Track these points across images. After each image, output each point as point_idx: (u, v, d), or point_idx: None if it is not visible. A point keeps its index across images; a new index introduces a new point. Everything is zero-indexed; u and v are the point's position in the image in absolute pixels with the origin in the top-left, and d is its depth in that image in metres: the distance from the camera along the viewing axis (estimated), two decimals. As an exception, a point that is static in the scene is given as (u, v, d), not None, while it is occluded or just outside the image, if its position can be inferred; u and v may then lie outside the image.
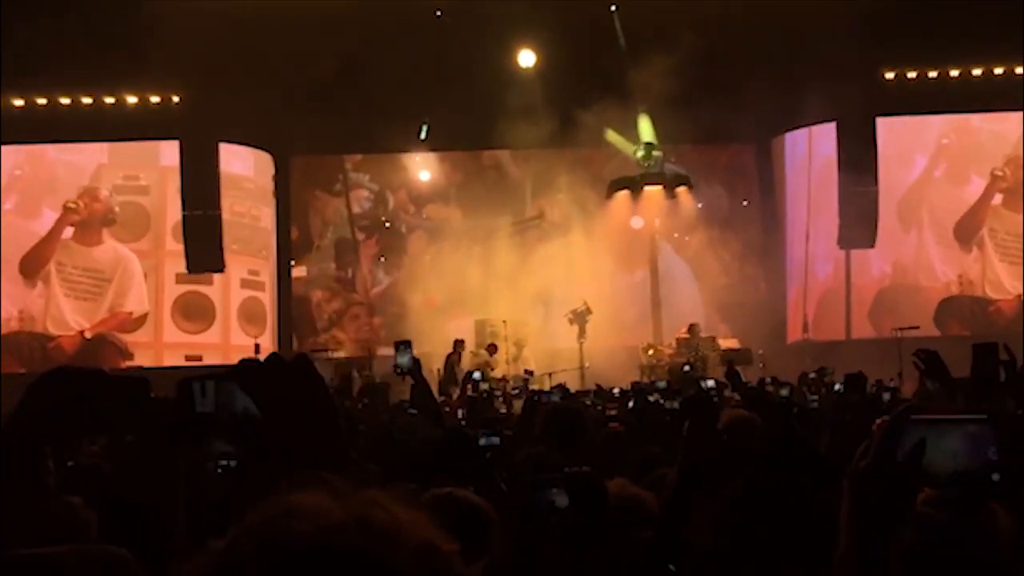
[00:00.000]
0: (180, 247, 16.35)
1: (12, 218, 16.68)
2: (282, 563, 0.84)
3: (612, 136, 16.34)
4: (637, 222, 17.00)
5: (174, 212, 16.45)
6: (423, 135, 16.94)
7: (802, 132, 17.68)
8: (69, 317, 16.69)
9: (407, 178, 18.18)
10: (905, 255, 17.65)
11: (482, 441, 4.44)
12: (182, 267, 16.54)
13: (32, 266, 16.68)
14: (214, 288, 17.03)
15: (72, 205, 16.81)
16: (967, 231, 17.57)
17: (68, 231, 16.88)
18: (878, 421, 1.36)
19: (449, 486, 2.90)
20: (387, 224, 18.18)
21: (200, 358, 16.47)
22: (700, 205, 17.19)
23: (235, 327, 17.10)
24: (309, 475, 0.91)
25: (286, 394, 1.32)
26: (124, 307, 16.87)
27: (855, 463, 1.40)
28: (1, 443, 1.36)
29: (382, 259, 18.09)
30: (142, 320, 16.90)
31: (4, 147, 16.22)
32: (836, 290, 17.77)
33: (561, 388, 9.69)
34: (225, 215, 16.52)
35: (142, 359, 16.61)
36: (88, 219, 16.88)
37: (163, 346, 16.79)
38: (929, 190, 17.70)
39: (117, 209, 16.94)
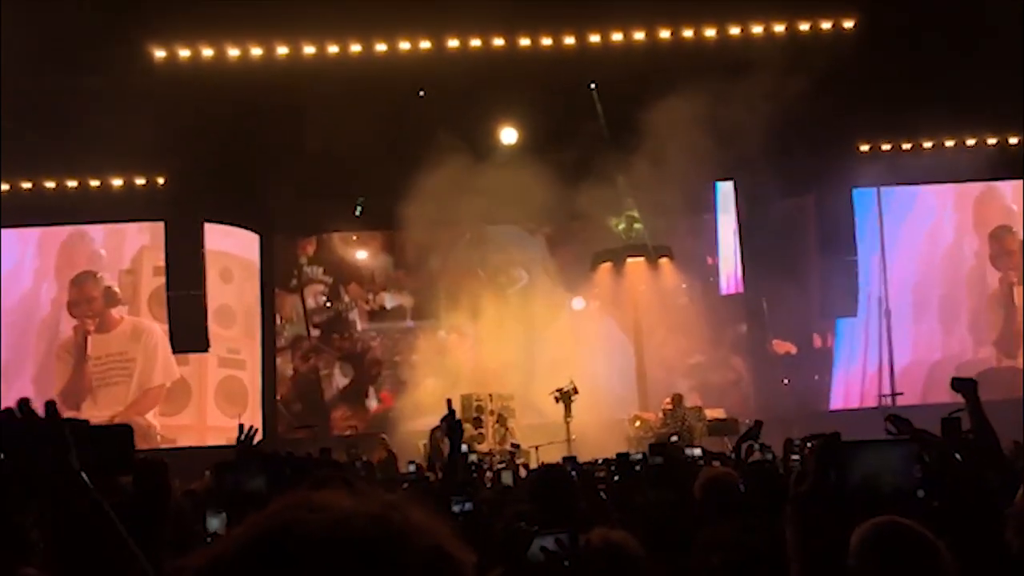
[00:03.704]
0: (221, 331, 16.48)
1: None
2: (291, 548, 0.87)
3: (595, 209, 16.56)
4: (578, 303, 17.28)
5: (216, 296, 16.55)
6: (358, 212, 17.10)
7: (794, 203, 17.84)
8: (105, 407, 16.35)
9: (364, 261, 18.25)
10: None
11: (455, 508, 4.38)
12: (224, 351, 16.76)
13: (73, 398, 16.32)
14: (247, 373, 17.13)
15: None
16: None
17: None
18: (810, 445, 1.41)
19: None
20: (343, 316, 18.08)
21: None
22: (685, 273, 17.35)
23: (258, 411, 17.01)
24: (334, 476, 0.94)
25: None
26: (153, 382, 16.78)
27: (793, 489, 1.44)
28: None
29: (339, 359, 17.96)
30: (181, 393, 16.82)
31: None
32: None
33: (571, 461, 9.59)
34: (251, 300, 17.04)
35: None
36: (96, 312, 16.98)
37: (207, 428, 16.50)
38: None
39: (117, 289, 17.01)
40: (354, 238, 18.32)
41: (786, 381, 16.89)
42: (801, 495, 1.48)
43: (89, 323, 16.97)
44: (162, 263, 16.41)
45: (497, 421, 15.41)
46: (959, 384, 4.48)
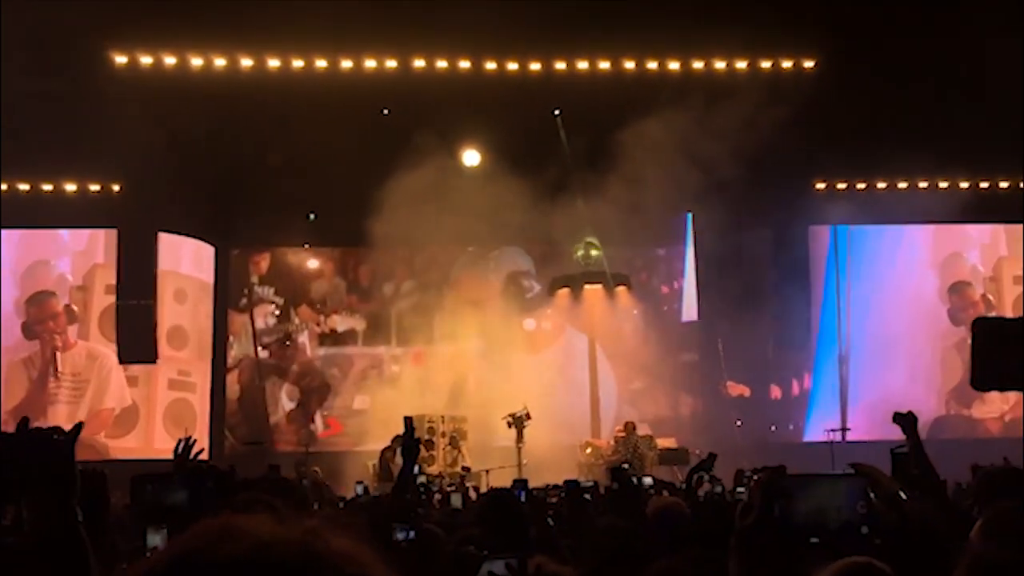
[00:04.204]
0: (173, 353, 16.21)
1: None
2: (209, 573, 0.84)
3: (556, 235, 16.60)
4: (530, 324, 17.23)
5: (171, 316, 16.31)
6: (311, 217, 17.03)
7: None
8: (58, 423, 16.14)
9: (317, 283, 18.04)
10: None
11: (399, 535, 4.30)
12: (175, 373, 16.46)
13: (29, 414, 16.00)
14: (196, 396, 16.85)
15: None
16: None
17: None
18: (755, 478, 1.40)
19: None
20: (290, 341, 17.81)
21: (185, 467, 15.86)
22: (640, 304, 17.44)
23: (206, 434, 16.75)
24: (260, 500, 0.91)
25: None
26: (104, 404, 16.52)
27: (738, 522, 1.43)
28: None
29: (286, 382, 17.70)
30: (129, 416, 16.54)
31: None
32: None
33: (521, 484, 9.52)
34: (207, 323, 17.00)
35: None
36: (62, 329, 16.81)
37: (154, 452, 16.11)
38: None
39: (74, 307, 16.79)
40: (310, 261, 18.08)
41: (739, 423, 17.07)
42: (746, 528, 1.47)
43: (57, 339, 16.74)
44: (115, 282, 16.23)
45: (449, 443, 15.29)
46: (900, 418, 4.56)
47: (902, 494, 1.37)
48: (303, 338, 17.88)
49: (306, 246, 17.96)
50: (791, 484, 1.46)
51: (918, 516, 1.84)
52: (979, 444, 14.12)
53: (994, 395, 17.41)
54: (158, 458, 14.94)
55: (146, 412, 16.65)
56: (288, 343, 17.78)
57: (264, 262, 18.01)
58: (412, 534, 4.22)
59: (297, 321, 17.87)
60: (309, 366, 17.80)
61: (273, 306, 17.87)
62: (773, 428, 17.38)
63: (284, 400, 17.62)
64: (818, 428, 17.07)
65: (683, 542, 4.05)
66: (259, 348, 17.70)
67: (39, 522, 1.65)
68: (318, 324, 17.90)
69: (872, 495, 1.42)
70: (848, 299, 17.75)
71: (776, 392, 17.89)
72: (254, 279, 17.91)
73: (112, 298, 16.44)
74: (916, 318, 17.96)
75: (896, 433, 3.81)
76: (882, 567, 1.92)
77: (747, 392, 17.62)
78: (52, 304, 16.85)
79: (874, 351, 17.55)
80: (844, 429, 14.34)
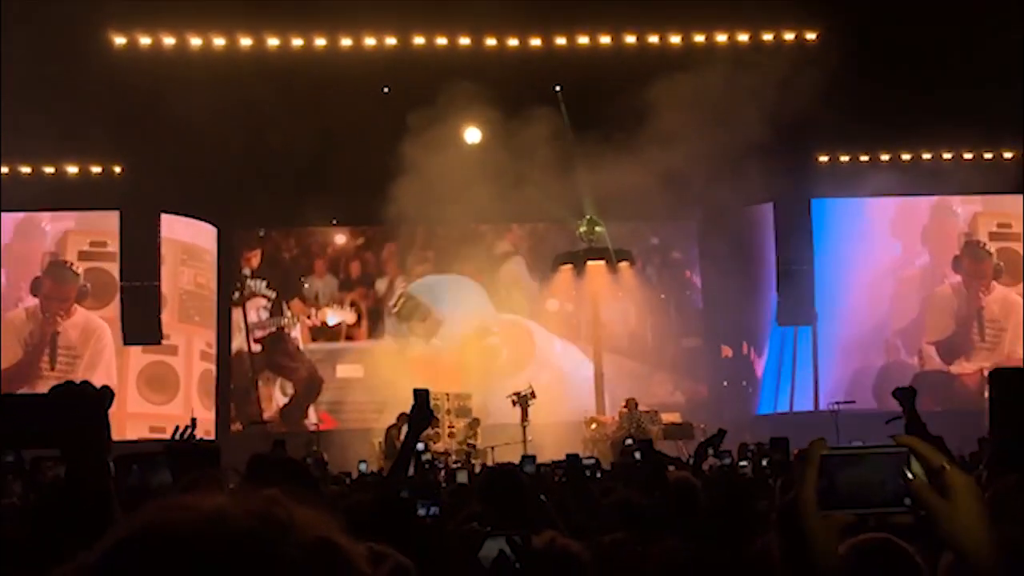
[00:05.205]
0: None
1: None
2: (157, 550, 0.81)
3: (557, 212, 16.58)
4: (553, 304, 17.27)
5: None
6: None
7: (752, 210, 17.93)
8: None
9: (308, 277, 17.89)
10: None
11: (421, 511, 4.32)
12: None
13: (15, 382, 15.93)
14: (179, 359, 16.78)
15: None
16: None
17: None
18: (795, 452, 1.40)
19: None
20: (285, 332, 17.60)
21: (164, 430, 15.87)
22: (642, 280, 17.45)
23: (195, 399, 16.73)
24: (207, 476, 0.89)
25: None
26: (93, 380, 16.45)
27: (780, 497, 1.42)
28: None
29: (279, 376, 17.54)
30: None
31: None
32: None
33: (529, 460, 9.55)
34: (189, 286, 16.79)
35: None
36: (66, 310, 16.71)
37: (127, 416, 16.12)
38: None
39: (89, 286, 16.68)
40: (303, 254, 17.91)
41: (725, 383, 17.28)
42: (789, 502, 1.46)
43: (59, 320, 16.65)
44: (87, 248, 16.54)
45: (469, 425, 15.29)
46: (899, 393, 4.61)
47: (946, 465, 1.37)
48: (295, 332, 17.75)
49: (334, 223, 17.83)
50: (834, 457, 1.45)
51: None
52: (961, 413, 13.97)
53: (980, 352, 17.57)
54: (131, 439, 14.94)
55: (119, 375, 16.53)
56: (278, 350, 17.61)
57: (255, 256, 17.88)
58: (435, 510, 4.24)
59: (289, 315, 17.77)
60: (301, 359, 17.70)
61: (265, 300, 17.77)
62: (747, 386, 17.61)
63: (277, 395, 17.55)
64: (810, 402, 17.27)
65: (693, 515, 4.07)
66: (252, 342, 17.60)
67: (74, 472, 1.76)
68: (310, 317, 17.78)
69: (909, 469, 1.41)
70: (829, 270, 17.63)
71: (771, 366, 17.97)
72: (246, 272, 17.82)
73: (85, 264, 16.58)
74: (896, 285, 17.96)
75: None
76: (900, 544, 1.92)
77: (730, 352, 17.87)
78: (70, 287, 16.69)
79: (859, 321, 17.57)
80: (848, 402, 14.42)
